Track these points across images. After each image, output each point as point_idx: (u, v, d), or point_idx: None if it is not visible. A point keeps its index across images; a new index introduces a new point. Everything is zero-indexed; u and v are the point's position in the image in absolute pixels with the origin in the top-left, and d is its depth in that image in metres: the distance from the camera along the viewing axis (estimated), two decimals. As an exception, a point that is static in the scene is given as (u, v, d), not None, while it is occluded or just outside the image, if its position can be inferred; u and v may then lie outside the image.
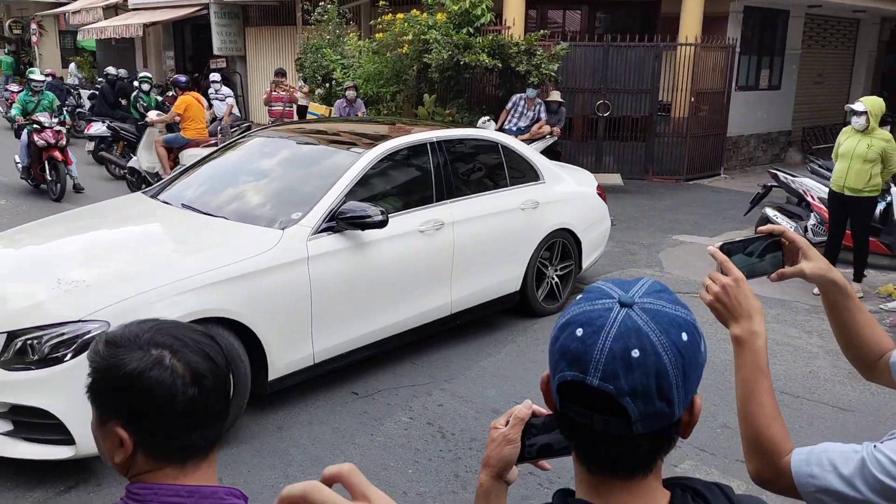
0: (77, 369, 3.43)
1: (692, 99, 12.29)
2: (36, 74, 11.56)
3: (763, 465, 1.29)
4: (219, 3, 18.37)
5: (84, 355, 3.39)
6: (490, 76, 11.96)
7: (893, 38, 18.17)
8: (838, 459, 1.20)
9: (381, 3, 12.53)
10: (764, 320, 1.31)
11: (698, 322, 0.96)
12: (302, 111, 12.96)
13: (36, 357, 3.56)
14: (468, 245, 5.39)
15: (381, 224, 4.57)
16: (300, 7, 15.42)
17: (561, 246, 6.29)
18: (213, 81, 13.49)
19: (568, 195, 6.39)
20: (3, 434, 3.63)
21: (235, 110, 13.66)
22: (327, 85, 13.03)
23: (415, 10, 11.79)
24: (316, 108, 12.53)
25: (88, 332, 3.56)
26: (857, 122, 6.32)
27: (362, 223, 4.53)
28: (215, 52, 18.78)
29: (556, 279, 6.31)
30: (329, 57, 12.72)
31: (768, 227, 1.42)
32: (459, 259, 5.33)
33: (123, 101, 14.41)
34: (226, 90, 13.63)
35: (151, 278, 3.90)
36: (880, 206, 7.65)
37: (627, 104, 12.41)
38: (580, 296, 1.00)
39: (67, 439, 3.57)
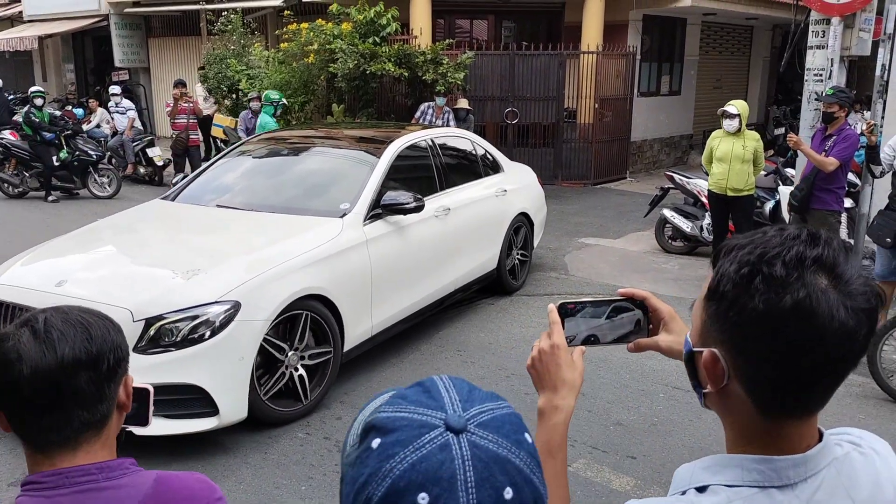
0: (218, 346, 3.88)
1: (596, 105, 12.60)
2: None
3: None
4: (119, 14, 17.82)
5: (223, 332, 3.88)
6: (398, 85, 11.95)
7: (785, 43, 19.11)
8: None
9: (286, 13, 12.38)
10: (575, 395, 1.15)
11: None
12: (205, 123, 12.66)
13: (177, 339, 3.85)
14: (467, 228, 6.11)
15: (418, 209, 5.22)
16: (204, 17, 15.09)
17: (521, 228, 6.99)
18: (114, 94, 13.05)
19: (523, 183, 7.22)
20: None
21: (137, 123, 13.27)
22: (234, 96, 12.78)
23: (320, 20, 11.70)
24: (221, 120, 12.26)
25: (223, 311, 3.93)
26: (731, 124, 6.60)
27: (403, 209, 5.16)
28: (117, 63, 18.21)
29: (518, 259, 6.99)
30: (234, 67, 12.48)
31: (629, 290, 1.26)
32: (462, 240, 6.04)
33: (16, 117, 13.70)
34: (127, 103, 13.22)
35: (257, 264, 4.28)
36: (769, 205, 8.01)
37: (535, 111, 12.64)
38: (377, 439, 0.69)
39: (209, 411, 3.88)
